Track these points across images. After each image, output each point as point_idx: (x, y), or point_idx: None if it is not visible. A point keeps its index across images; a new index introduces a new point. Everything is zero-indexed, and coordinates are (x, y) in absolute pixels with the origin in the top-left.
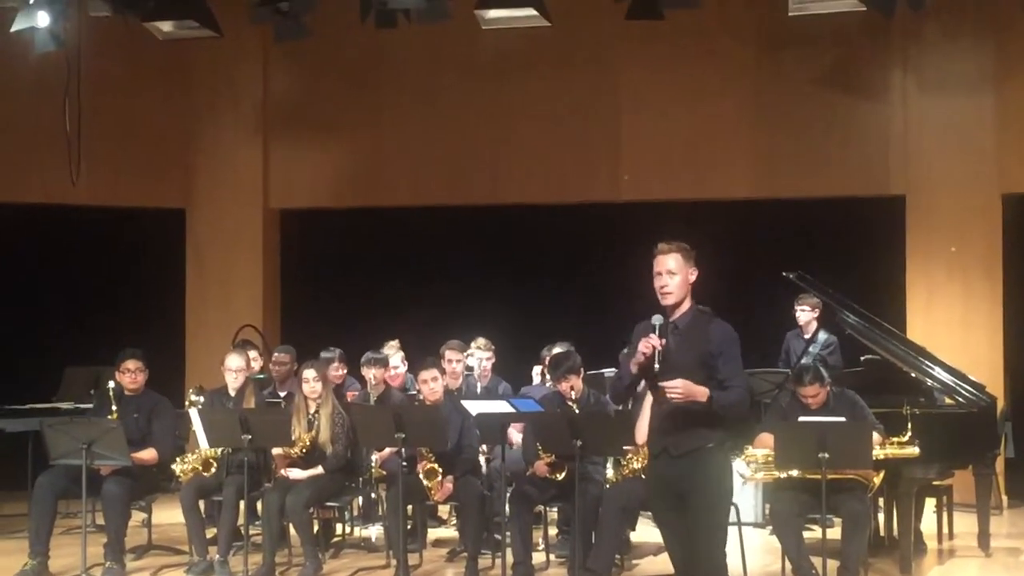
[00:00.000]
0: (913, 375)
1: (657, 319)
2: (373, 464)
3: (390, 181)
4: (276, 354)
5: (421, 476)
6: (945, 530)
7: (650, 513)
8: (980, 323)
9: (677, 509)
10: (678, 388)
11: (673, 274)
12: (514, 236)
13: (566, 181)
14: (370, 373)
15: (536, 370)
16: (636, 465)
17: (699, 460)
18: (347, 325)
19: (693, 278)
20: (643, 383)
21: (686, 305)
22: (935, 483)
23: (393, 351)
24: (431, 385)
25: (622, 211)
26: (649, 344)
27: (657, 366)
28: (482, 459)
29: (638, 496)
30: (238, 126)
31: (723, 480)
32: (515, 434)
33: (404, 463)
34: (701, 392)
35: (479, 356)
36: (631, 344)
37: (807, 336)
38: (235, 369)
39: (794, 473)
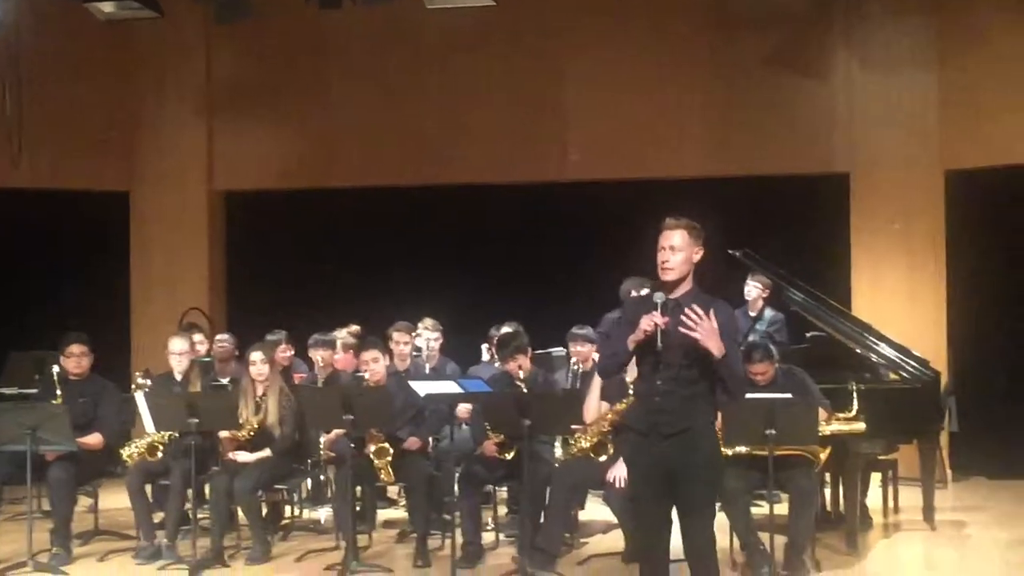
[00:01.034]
0: (858, 351)
1: (660, 296)
2: (321, 446)
3: (338, 162)
4: (217, 338)
5: (371, 457)
6: (891, 504)
7: (609, 494)
8: (924, 299)
9: (664, 492)
10: (704, 326)
11: (677, 250)
12: (463, 216)
13: (514, 160)
14: (318, 355)
15: (485, 350)
16: (585, 444)
17: (692, 439)
18: (296, 308)
19: (697, 258)
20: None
21: (687, 285)
22: (880, 458)
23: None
24: (372, 366)
25: (570, 191)
26: (651, 321)
27: (659, 344)
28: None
29: (587, 475)
30: (182, 107)
31: (716, 458)
32: (463, 412)
33: (352, 445)
34: (718, 344)
35: (427, 337)
36: (621, 319)
37: (753, 314)
38: (178, 352)
39: (742, 450)
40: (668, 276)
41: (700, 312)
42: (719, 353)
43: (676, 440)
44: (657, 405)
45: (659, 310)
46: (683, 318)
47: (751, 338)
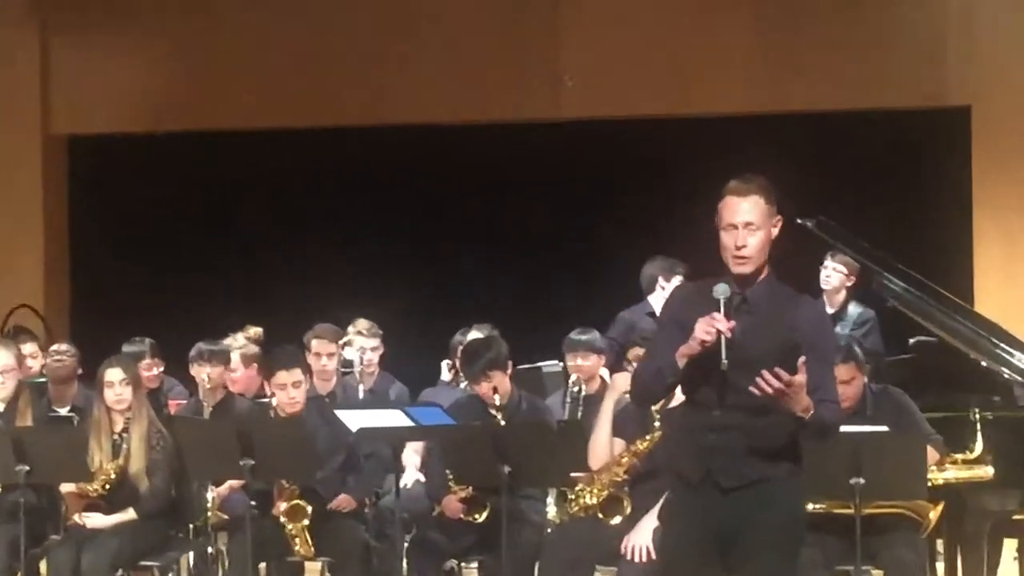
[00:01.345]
0: (984, 363)
1: (723, 289)
2: (209, 504)
3: (226, 98)
4: (53, 349)
5: (281, 519)
6: None
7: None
8: None
9: (714, 569)
10: (782, 385)
11: (755, 228)
12: (410, 170)
13: (486, 92)
14: (203, 372)
15: (446, 365)
16: (590, 500)
17: (766, 494)
18: (168, 303)
19: (776, 231)
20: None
21: (761, 273)
22: (1017, 518)
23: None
24: (291, 392)
25: (563, 133)
26: (713, 326)
27: (725, 360)
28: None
29: (593, 544)
30: (5, 28)
31: (799, 522)
32: (413, 457)
33: (254, 503)
34: (805, 402)
35: (361, 345)
36: (667, 321)
37: (832, 309)
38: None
39: (816, 507)
40: (746, 268)
41: (782, 375)
42: (806, 412)
43: (741, 495)
44: (713, 444)
45: (721, 309)
46: (759, 381)
47: None
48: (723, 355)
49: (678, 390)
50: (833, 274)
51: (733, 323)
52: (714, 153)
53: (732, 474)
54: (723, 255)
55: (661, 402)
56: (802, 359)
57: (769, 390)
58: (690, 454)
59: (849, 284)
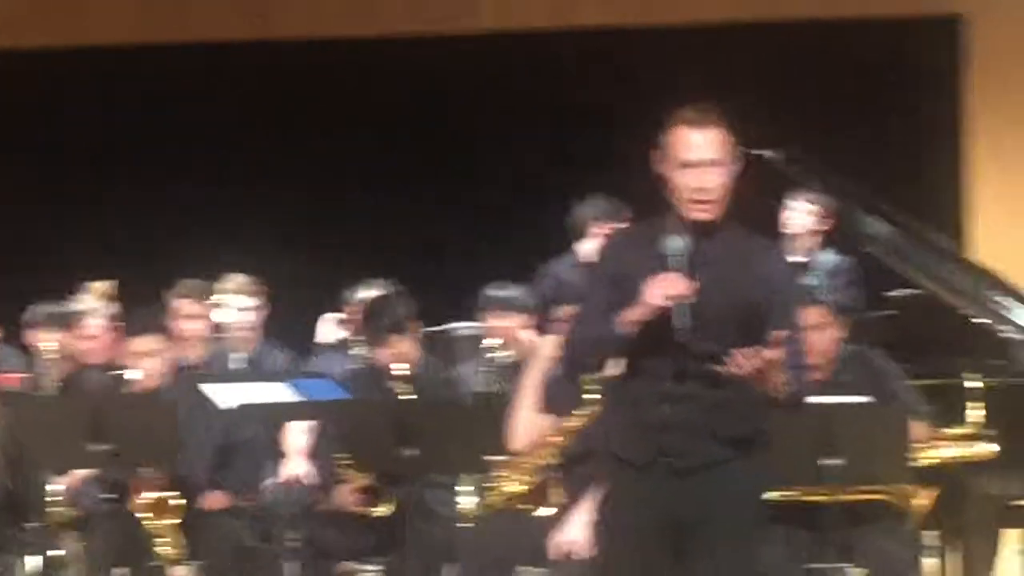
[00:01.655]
0: (980, 320)
1: (677, 245)
2: (54, 499)
3: (78, 8)
4: None
5: (143, 515)
6: None
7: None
8: None
9: (668, 559)
10: (760, 363)
11: (719, 165)
12: (289, 94)
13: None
14: (45, 340)
15: (327, 322)
16: (513, 488)
17: (723, 479)
18: (4, 254)
19: (737, 167)
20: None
21: (719, 220)
22: (1018, 504)
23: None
24: (146, 363)
25: (483, 50)
26: (672, 287)
27: (681, 327)
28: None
29: (517, 540)
30: None
31: (759, 510)
32: (300, 440)
33: (109, 495)
34: (782, 378)
35: (236, 305)
36: (597, 272)
37: (801, 258)
38: None
39: (781, 494)
40: (708, 214)
41: (759, 353)
42: (780, 392)
43: (698, 478)
44: (666, 418)
45: (675, 266)
46: (730, 363)
47: None
48: (679, 322)
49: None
50: (798, 215)
51: (692, 284)
52: (661, 71)
53: (688, 453)
54: (674, 199)
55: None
56: (784, 332)
57: (742, 372)
58: (636, 431)
59: (819, 228)
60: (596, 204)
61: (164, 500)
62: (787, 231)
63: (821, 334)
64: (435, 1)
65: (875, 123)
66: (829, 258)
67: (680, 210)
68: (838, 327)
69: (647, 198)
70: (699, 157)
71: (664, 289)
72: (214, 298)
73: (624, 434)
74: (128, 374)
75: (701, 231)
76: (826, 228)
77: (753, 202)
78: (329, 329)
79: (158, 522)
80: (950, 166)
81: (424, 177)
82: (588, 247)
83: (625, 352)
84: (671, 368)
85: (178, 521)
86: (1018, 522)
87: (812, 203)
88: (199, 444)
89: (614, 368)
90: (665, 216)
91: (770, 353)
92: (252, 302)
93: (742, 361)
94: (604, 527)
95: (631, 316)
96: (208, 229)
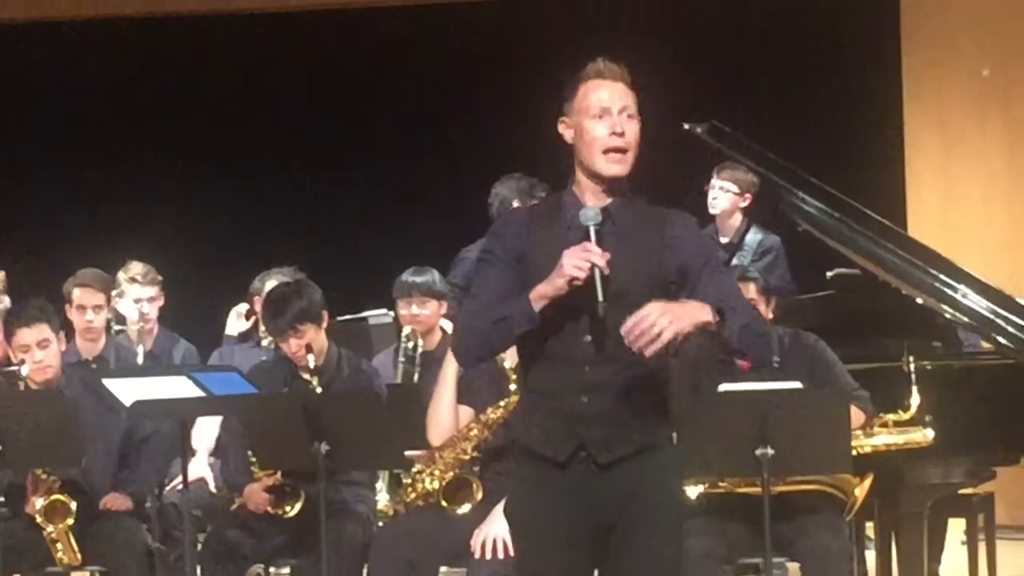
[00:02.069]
0: (920, 300)
1: (592, 214)
2: None
3: None
4: None
5: (38, 519)
6: (983, 571)
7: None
8: None
9: (587, 563)
10: (662, 324)
11: (633, 118)
12: (208, 74)
13: None
14: None
15: (235, 314)
16: (431, 484)
17: (645, 469)
18: None
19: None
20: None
21: (625, 184)
22: (963, 492)
23: None
24: (37, 355)
25: (395, 19)
26: (588, 259)
27: (602, 301)
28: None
29: (435, 539)
30: None
31: (680, 499)
32: (206, 437)
33: (0, 499)
34: (700, 311)
35: (137, 296)
36: (492, 252)
37: (726, 238)
38: None
39: (713, 486)
40: (623, 165)
41: (639, 325)
42: (711, 319)
43: (621, 470)
44: (585, 409)
45: (592, 238)
46: (623, 330)
47: None
48: (599, 295)
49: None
50: (720, 195)
51: (608, 255)
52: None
53: (611, 444)
54: (587, 154)
55: (516, 360)
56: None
57: (645, 340)
58: (556, 425)
59: (743, 204)
60: (515, 182)
61: (60, 503)
62: (712, 211)
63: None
64: None
65: (812, 97)
66: (756, 237)
67: (595, 167)
68: (767, 306)
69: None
70: (613, 105)
71: (582, 259)
72: (117, 288)
73: (541, 429)
74: (21, 370)
75: (611, 199)
76: (746, 204)
77: (683, 177)
78: (238, 322)
79: (54, 526)
80: (889, 141)
81: (338, 160)
82: None
83: (536, 337)
84: (586, 353)
85: (74, 524)
86: (960, 510)
87: (732, 181)
88: (99, 443)
89: (528, 356)
90: (564, 192)
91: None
92: (152, 292)
93: (639, 322)
94: (523, 526)
95: (547, 291)
96: (109, 219)
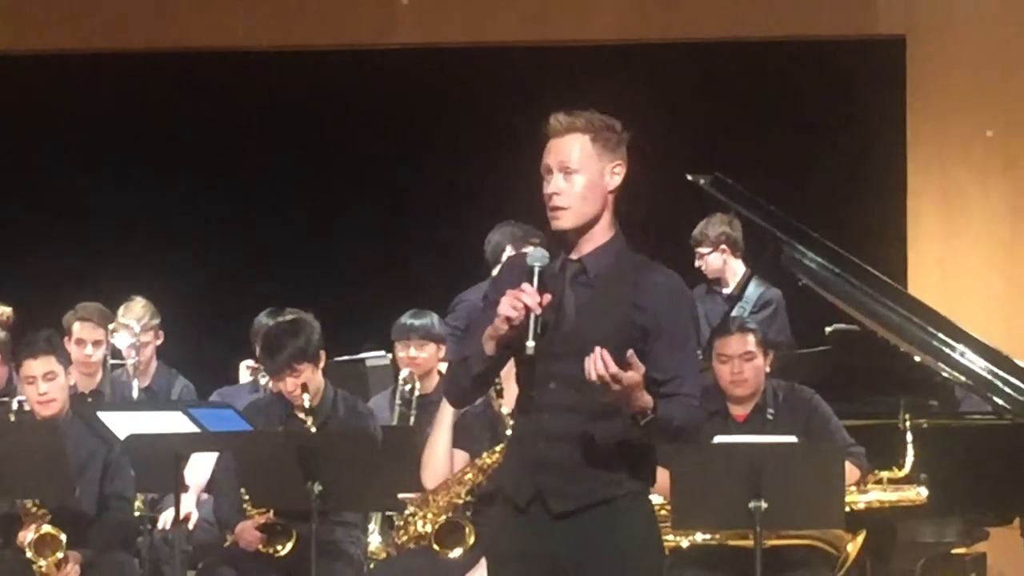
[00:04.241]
0: (918, 359)
1: (539, 255)
2: None
3: None
4: None
5: (27, 552)
6: None
7: None
8: None
9: None
10: (610, 371)
11: (573, 172)
12: (199, 108)
13: (298, 10)
14: None
15: (245, 367)
16: (424, 527)
17: (602, 523)
18: None
19: (615, 183)
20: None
21: (604, 234)
22: (957, 552)
23: None
24: (42, 387)
25: (401, 61)
26: (519, 301)
27: (531, 342)
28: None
29: None
30: None
31: (649, 552)
32: (199, 474)
33: None
34: (644, 399)
35: (135, 332)
36: (489, 299)
37: (727, 290)
38: None
39: (703, 537)
40: (561, 222)
41: (604, 358)
42: (644, 407)
43: (575, 522)
44: (543, 457)
45: (535, 279)
46: (587, 362)
47: None
48: (529, 336)
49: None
50: (702, 261)
51: (546, 296)
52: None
53: (566, 494)
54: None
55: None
56: (630, 352)
57: (595, 376)
58: (520, 471)
59: (726, 256)
60: (510, 229)
61: (51, 536)
62: (710, 264)
63: (746, 364)
64: (350, 14)
65: (816, 149)
66: (758, 290)
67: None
68: (764, 358)
69: None
70: (551, 163)
71: (516, 299)
72: (116, 324)
73: (510, 473)
74: (13, 403)
75: (579, 244)
76: (735, 251)
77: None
78: (244, 371)
79: (44, 559)
80: (892, 198)
81: (338, 201)
82: None
83: (520, 382)
84: (549, 400)
85: (64, 557)
86: (951, 570)
87: (705, 244)
88: (92, 476)
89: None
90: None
91: (624, 373)
92: (151, 328)
93: (598, 361)
94: (491, 567)
95: (491, 333)
96: (111, 256)
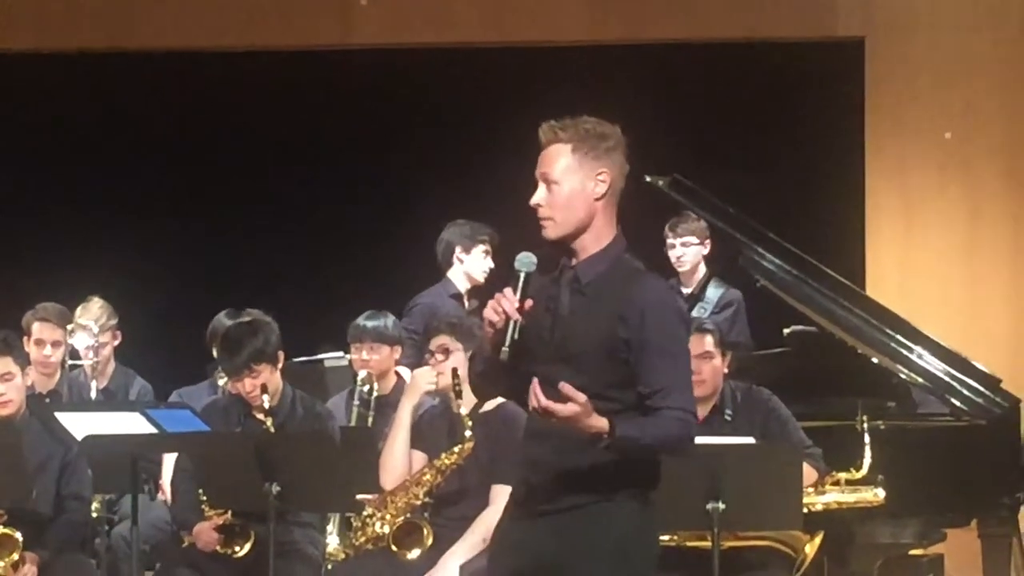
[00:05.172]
0: (875, 360)
1: (526, 261)
2: None
3: None
4: None
5: None
6: None
7: None
8: (993, 266)
9: None
10: (542, 404)
11: (553, 183)
12: (157, 107)
13: (255, 11)
14: None
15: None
16: (381, 528)
17: (581, 525)
18: None
19: (602, 190)
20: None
21: (597, 242)
22: (914, 553)
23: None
24: (0, 387)
25: (358, 62)
26: (498, 307)
27: (506, 348)
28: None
29: None
30: None
31: (635, 556)
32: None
33: None
34: (593, 424)
35: (91, 330)
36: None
37: (688, 289)
38: None
39: (664, 539)
40: (548, 232)
41: (536, 393)
42: (597, 432)
43: (555, 522)
44: (533, 456)
45: (519, 285)
46: (530, 397)
47: None
48: (506, 342)
49: None
50: (685, 250)
51: (529, 303)
52: (550, 91)
53: (549, 495)
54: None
55: (471, 406)
56: (562, 383)
57: (540, 406)
58: (521, 465)
59: (705, 252)
60: (460, 228)
61: (8, 536)
62: (680, 268)
63: (703, 364)
64: (307, 15)
65: (774, 152)
66: (718, 291)
67: None
68: (722, 358)
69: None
70: (537, 174)
71: (495, 305)
72: (73, 323)
73: (517, 467)
74: None
75: (573, 252)
76: (707, 252)
77: (651, 228)
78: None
79: (2, 560)
80: (852, 198)
81: (297, 201)
82: (457, 273)
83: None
84: (526, 400)
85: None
86: (908, 571)
87: (691, 233)
88: (49, 476)
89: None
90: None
91: (560, 407)
92: (109, 328)
93: (538, 396)
94: (490, 556)
95: (482, 334)
96: (67, 256)
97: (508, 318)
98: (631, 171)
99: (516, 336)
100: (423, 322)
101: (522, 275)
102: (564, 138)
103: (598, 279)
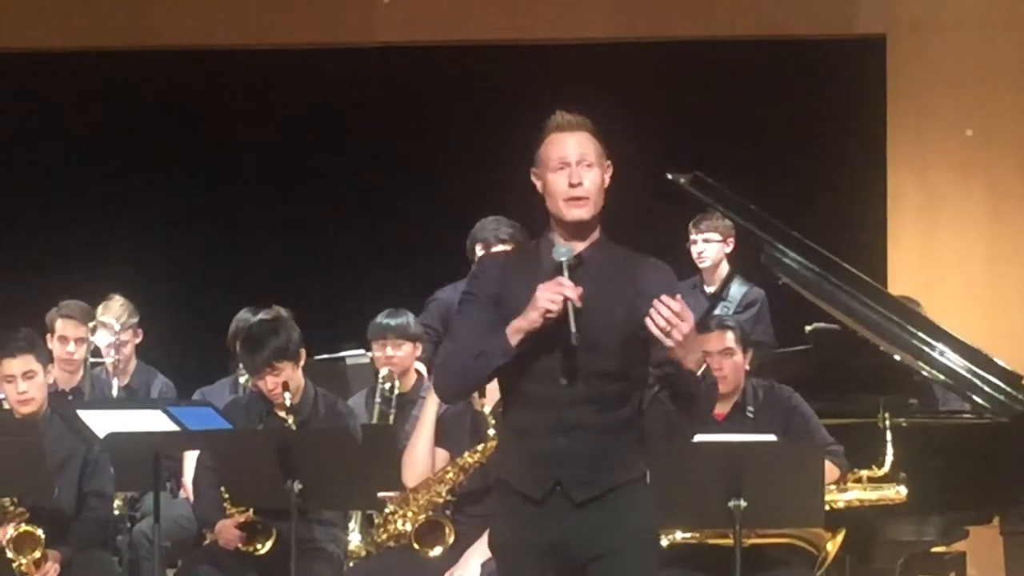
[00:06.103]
0: (898, 358)
1: (565, 251)
2: None
3: None
4: None
5: (8, 551)
6: None
7: None
8: (1015, 263)
9: None
10: (683, 325)
11: (590, 165)
12: (177, 105)
13: (280, 9)
14: None
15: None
16: (404, 526)
17: (618, 506)
18: None
19: (607, 182)
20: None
21: (598, 230)
22: (936, 549)
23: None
24: (21, 386)
25: (380, 60)
26: (561, 292)
27: (575, 332)
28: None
29: None
30: None
31: (654, 535)
32: (187, 471)
33: None
34: (698, 358)
35: (113, 328)
36: (470, 294)
37: (711, 288)
38: None
39: (686, 536)
40: (584, 211)
41: (671, 303)
42: (698, 369)
43: (595, 508)
44: (562, 449)
45: (565, 273)
46: (652, 313)
47: None
48: (572, 328)
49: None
50: (707, 247)
51: (581, 290)
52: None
53: (587, 483)
54: (552, 203)
55: (494, 403)
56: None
57: (661, 322)
58: (534, 464)
59: (728, 251)
60: (487, 227)
61: (30, 534)
62: (701, 265)
63: (724, 360)
64: (330, 13)
65: (796, 149)
66: (741, 289)
67: (560, 214)
68: (744, 356)
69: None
70: (572, 157)
71: (556, 292)
72: (96, 321)
73: (520, 467)
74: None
75: (585, 245)
76: (730, 250)
77: (668, 227)
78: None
79: (23, 556)
80: (872, 197)
81: (319, 199)
82: None
83: (515, 378)
84: (563, 395)
85: (43, 555)
86: (930, 568)
87: (714, 230)
88: (71, 474)
89: (507, 397)
90: (541, 238)
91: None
92: (130, 326)
93: (663, 308)
94: (503, 559)
95: (522, 325)
96: (90, 254)
97: (566, 305)
98: (653, 169)
99: (578, 321)
100: (443, 318)
101: (565, 263)
102: (589, 127)
103: (603, 265)
